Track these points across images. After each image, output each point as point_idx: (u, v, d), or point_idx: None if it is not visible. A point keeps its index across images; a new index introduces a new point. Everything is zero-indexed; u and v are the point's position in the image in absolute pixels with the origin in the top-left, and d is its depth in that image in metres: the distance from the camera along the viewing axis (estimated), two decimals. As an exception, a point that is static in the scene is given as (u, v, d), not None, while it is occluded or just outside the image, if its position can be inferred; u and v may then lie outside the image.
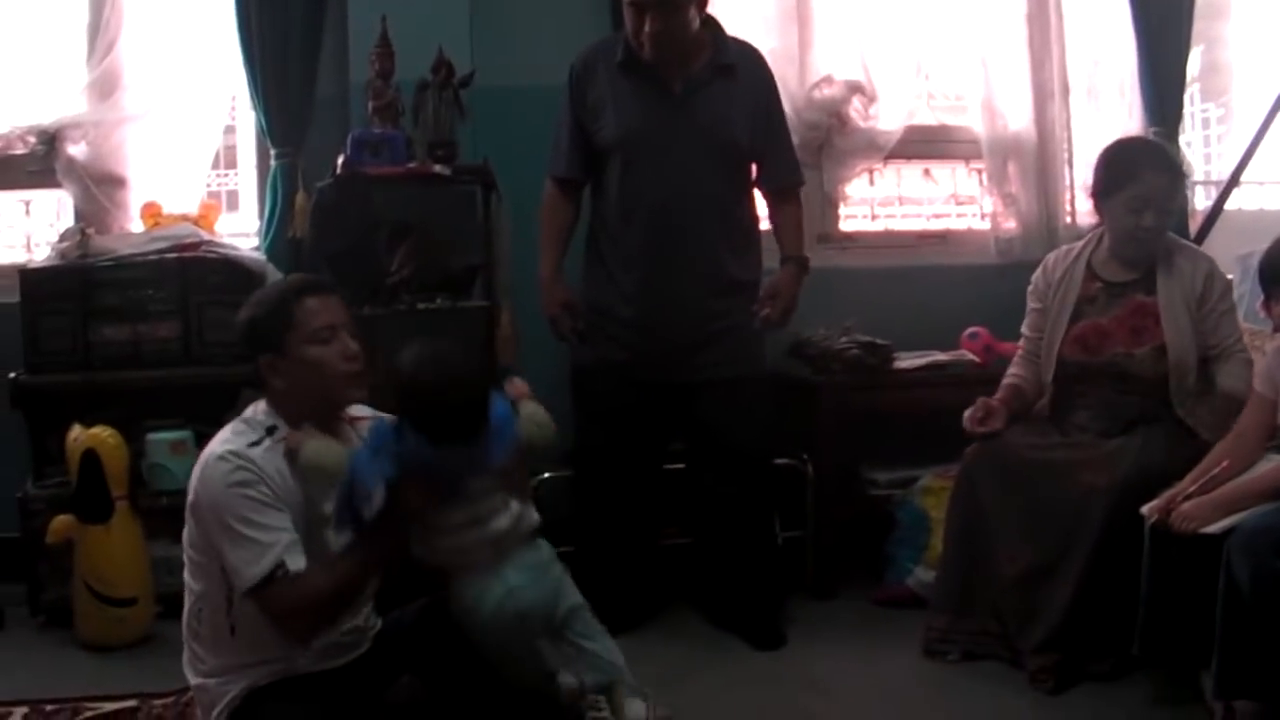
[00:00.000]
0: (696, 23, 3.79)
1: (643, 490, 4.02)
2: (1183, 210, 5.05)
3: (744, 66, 3.92)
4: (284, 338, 2.55)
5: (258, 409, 2.61)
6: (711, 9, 4.44)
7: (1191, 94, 7.02)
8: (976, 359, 4.48)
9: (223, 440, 2.54)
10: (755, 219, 4.05)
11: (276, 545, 2.41)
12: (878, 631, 4.00)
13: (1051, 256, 3.91)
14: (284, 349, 2.55)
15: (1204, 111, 7.33)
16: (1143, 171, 3.67)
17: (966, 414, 3.70)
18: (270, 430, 2.54)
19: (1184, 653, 3.15)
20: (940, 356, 4.48)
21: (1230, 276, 4.25)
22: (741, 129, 3.87)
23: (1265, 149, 5.83)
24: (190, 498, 2.52)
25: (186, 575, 2.61)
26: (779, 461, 4.23)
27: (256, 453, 2.48)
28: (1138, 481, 3.31)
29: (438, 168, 4.04)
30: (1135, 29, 5.03)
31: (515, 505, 2.56)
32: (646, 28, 3.69)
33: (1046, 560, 3.43)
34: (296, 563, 2.42)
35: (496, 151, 4.11)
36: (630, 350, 3.84)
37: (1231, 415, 3.42)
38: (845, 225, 5.09)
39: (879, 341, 4.37)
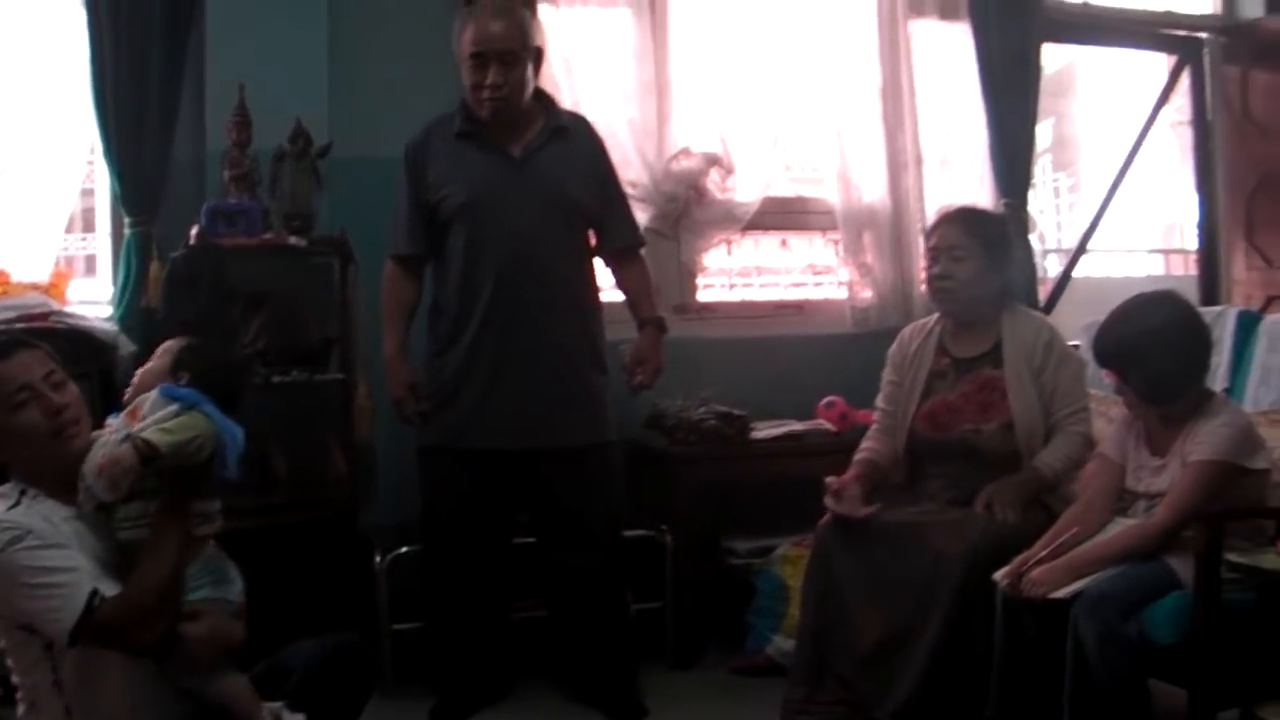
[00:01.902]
0: (532, 85, 3.83)
1: (492, 564, 3.96)
2: (1030, 277, 5.21)
3: (576, 131, 3.96)
4: None
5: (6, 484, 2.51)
6: (570, 81, 4.52)
7: (1043, 165, 7.26)
8: (833, 428, 4.54)
9: None
10: (597, 285, 4.06)
11: (80, 579, 2.33)
12: (737, 701, 4.01)
13: (908, 330, 3.96)
14: None
15: (1055, 181, 7.57)
16: (940, 225, 3.83)
17: (830, 482, 3.68)
18: (22, 492, 2.45)
19: (1038, 716, 3.19)
20: (797, 426, 4.53)
21: (1077, 343, 4.37)
22: (581, 191, 3.90)
23: (1110, 218, 6.03)
24: None
25: (12, 671, 2.51)
26: (637, 532, 4.23)
27: (16, 514, 2.39)
28: (989, 548, 3.34)
29: (294, 239, 4.00)
30: (985, 103, 5.19)
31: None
32: (489, 79, 3.71)
33: (900, 628, 3.44)
34: (107, 588, 2.34)
35: (353, 222, 4.08)
36: (476, 423, 3.80)
37: (1024, 489, 3.52)
38: (703, 296, 5.12)
39: (735, 412, 4.40)
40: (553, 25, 4.52)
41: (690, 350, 4.64)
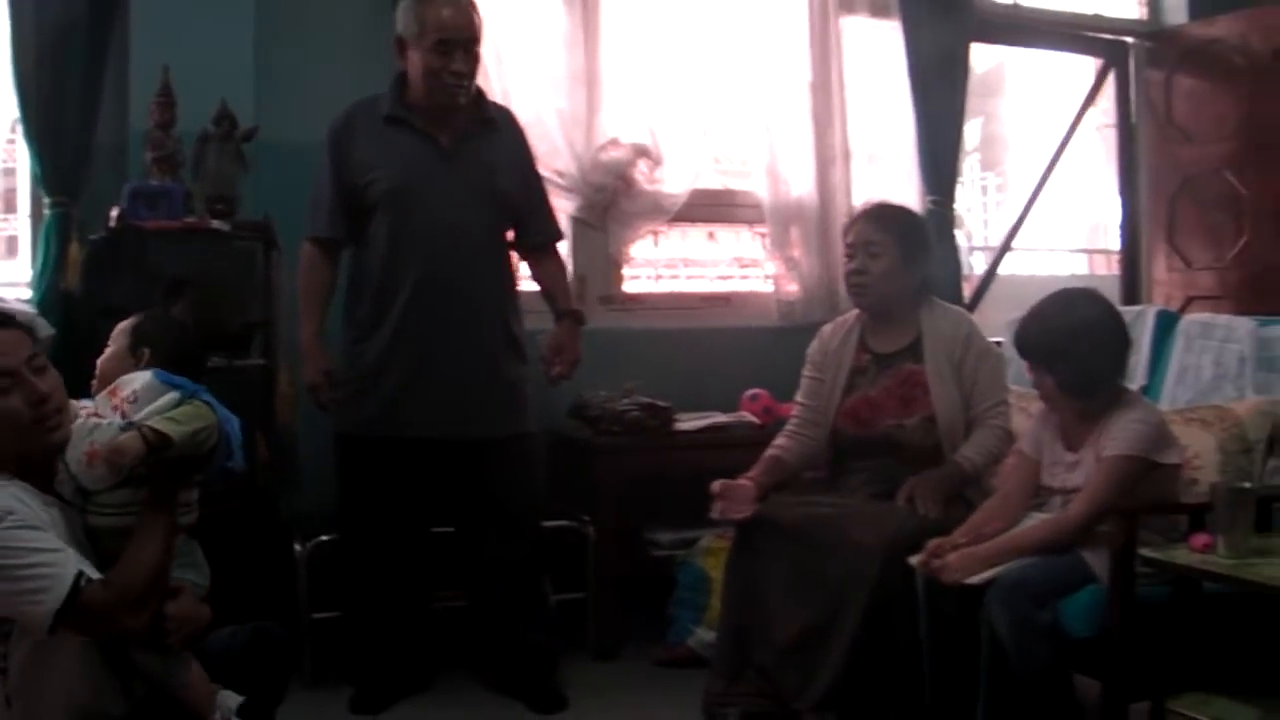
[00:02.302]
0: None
1: (412, 554, 3.94)
2: (955, 274, 5.25)
3: (503, 123, 3.96)
4: None
5: None
6: (500, 70, 4.50)
7: (972, 164, 7.33)
8: (757, 420, 4.56)
9: None
10: (516, 276, 4.06)
11: (65, 560, 2.21)
12: (659, 692, 4.01)
13: (828, 328, 3.98)
14: None
15: (983, 180, 7.64)
16: (856, 222, 3.88)
17: (715, 487, 3.68)
18: None
19: (964, 703, 3.22)
20: (721, 418, 4.54)
21: (1000, 340, 4.41)
22: (508, 182, 3.89)
23: (1036, 217, 6.10)
24: None
25: None
26: (559, 523, 4.23)
27: None
28: (909, 540, 3.35)
29: (216, 223, 3.95)
30: (914, 100, 5.23)
31: None
32: (456, 65, 3.69)
33: (820, 620, 3.45)
34: (92, 572, 2.24)
35: (278, 207, 4.03)
36: (397, 412, 3.77)
37: (945, 483, 3.55)
38: (629, 287, 5.13)
39: (659, 403, 4.41)
40: (484, 11, 4.48)
41: (616, 341, 4.64)
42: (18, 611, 2.23)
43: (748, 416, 4.58)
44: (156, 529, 2.35)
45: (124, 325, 2.65)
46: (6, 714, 2.31)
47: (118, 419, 2.41)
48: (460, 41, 3.71)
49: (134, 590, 2.28)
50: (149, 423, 2.35)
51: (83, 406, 2.47)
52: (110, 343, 2.64)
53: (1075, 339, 3.27)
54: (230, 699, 2.47)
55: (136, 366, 2.55)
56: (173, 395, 2.43)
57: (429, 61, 3.71)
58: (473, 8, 3.79)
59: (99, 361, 2.63)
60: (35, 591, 2.19)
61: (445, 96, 3.74)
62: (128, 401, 2.44)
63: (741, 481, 3.71)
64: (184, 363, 2.56)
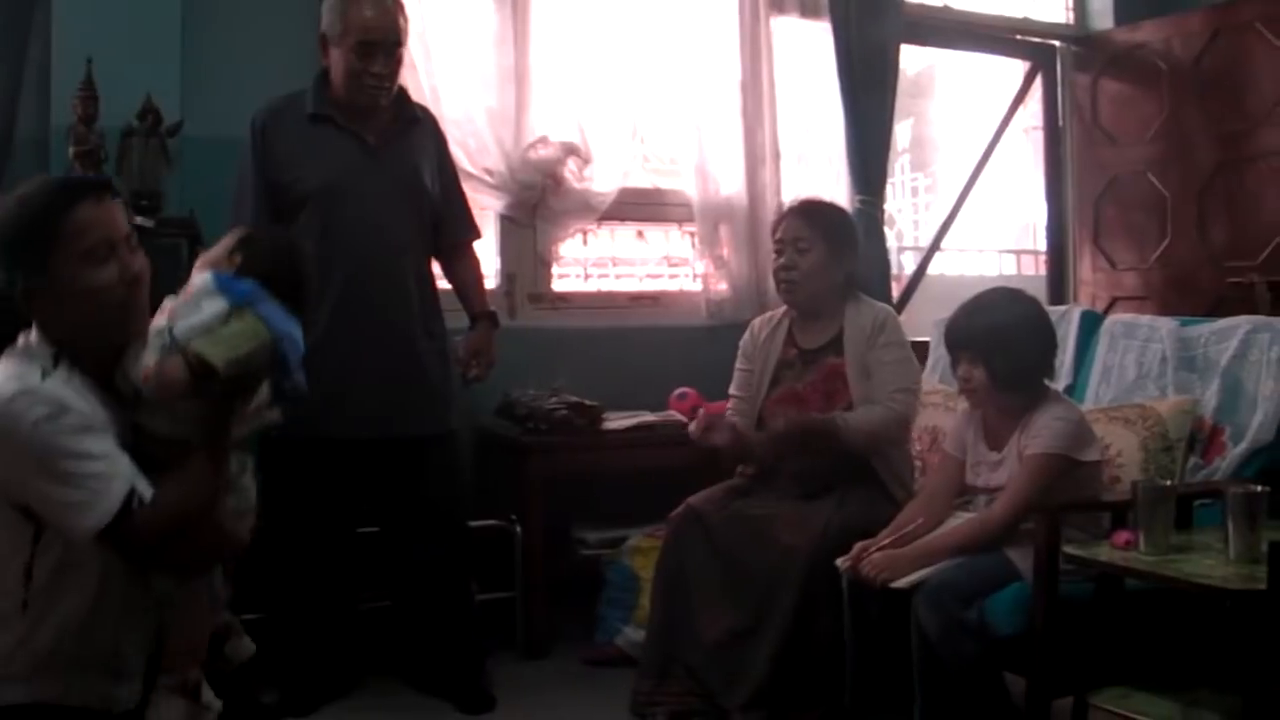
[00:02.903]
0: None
1: (337, 555, 3.90)
2: (884, 274, 5.29)
3: (425, 121, 3.95)
4: (47, 260, 2.14)
5: (29, 340, 2.21)
6: (429, 66, 4.47)
7: (902, 164, 7.38)
8: (685, 419, 4.54)
9: (4, 380, 2.13)
10: (434, 276, 4.03)
11: (119, 472, 2.10)
12: (588, 691, 4.00)
13: (758, 321, 4.00)
14: (48, 272, 2.15)
15: (913, 180, 7.69)
16: (785, 219, 3.90)
17: (692, 426, 3.75)
18: (56, 359, 2.17)
19: (891, 703, 3.25)
20: (649, 417, 4.53)
21: (927, 339, 4.44)
22: (431, 180, 3.87)
23: (965, 218, 6.15)
24: None
25: None
26: (487, 522, 4.21)
27: (52, 385, 2.12)
28: (836, 540, 3.38)
29: (141, 219, 3.88)
30: (843, 101, 5.24)
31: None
32: (377, 68, 3.66)
33: (748, 620, 3.47)
34: (145, 487, 2.13)
35: (204, 204, 3.96)
36: (322, 412, 3.68)
37: (811, 425, 3.59)
38: (558, 285, 5.11)
39: (587, 402, 4.39)
40: (413, 8, 4.44)
41: (544, 339, 4.64)
42: (60, 519, 2.12)
43: (676, 415, 4.58)
44: (214, 453, 2.21)
45: (235, 231, 2.47)
46: (20, 618, 2.18)
47: (164, 321, 2.21)
48: (382, 44, 3.68)
49: (180, 520, 2.15)
50: (194, 347, 2.14)
51: (165, 306, 2.28)
52: (217, 245, 2.43)
53: (1008, 333, 3.31)
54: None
55: (230, 268, 2.33)
56: (220, 304, 2.21)
57: (350, 62, 3.68)
58: (398, 9, 3.76)
59: (200, 252, 2.46)
60: (81, 504, 2.09)
61: (365, 97, 3.71)
62: (182, 302, 2.25)
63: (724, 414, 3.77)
64: (275, 280, 2.31)
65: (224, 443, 2.25)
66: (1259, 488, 2.86)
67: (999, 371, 3.29)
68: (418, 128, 3.89)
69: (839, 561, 3.30)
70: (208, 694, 2.36)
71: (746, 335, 3.98)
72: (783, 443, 3.59)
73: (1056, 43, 6.26)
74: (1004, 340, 3.30)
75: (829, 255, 3.79)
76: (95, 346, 2.22)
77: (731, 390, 3.96)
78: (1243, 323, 3.79)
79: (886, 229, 5.61)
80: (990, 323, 3.35)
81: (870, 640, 3.29)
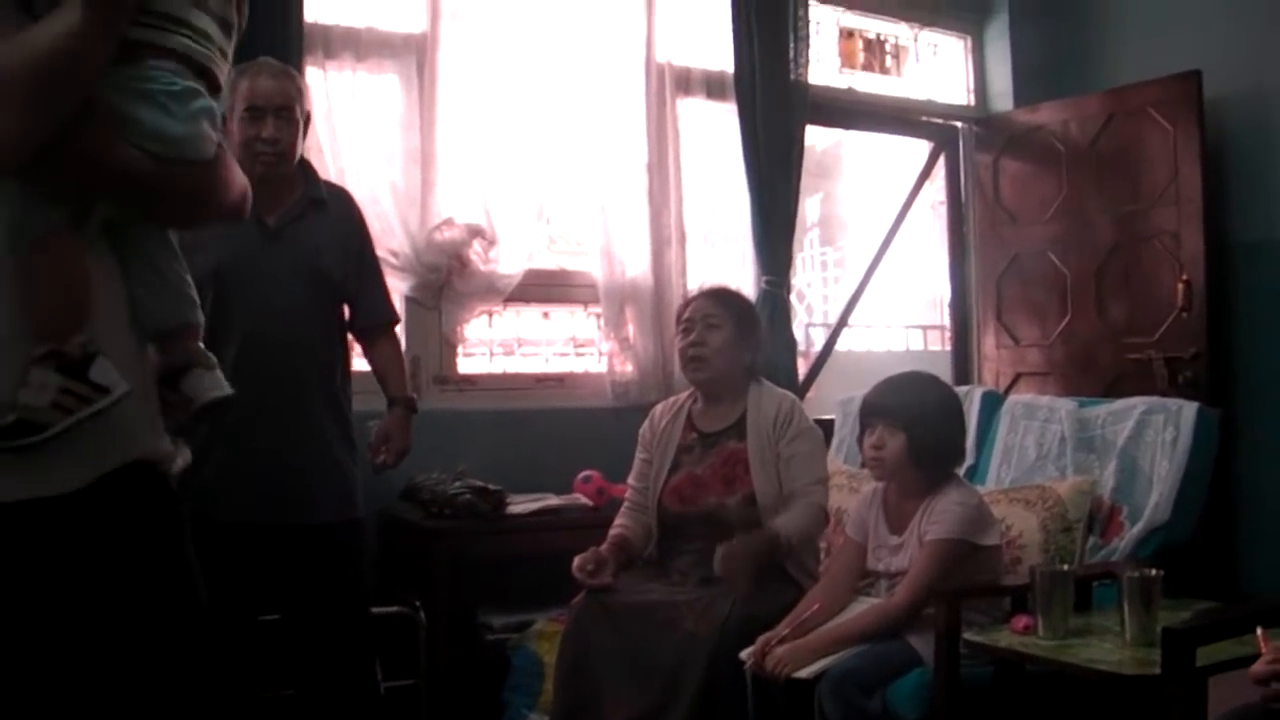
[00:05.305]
0: (301, 147, 3.76)
1: (237, 642, 3.83)
2: (789, 353, 5.32)
3: (335, 203, 3.89)
4: None
5: None
6: (335, 146, 4.45)
7: (811, 239, 7.46)
8: (589, 502, 4.53)
9: None
10: (348, 359, 3.98)
11: None
12: (492, 780, 3.95)
13: (659, 408, 4.01)
14: None
15: (822, 255, 7.77)
16: (694, 300, 3.96)
17: (576, 561, 3.69)
18: None
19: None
20: (553, 500, 4.50)
21: (832, 417, 4.47)
22: (335, 263, 3.82)
23: (873, 294, 6.22)
24: None
25: None
26: (390, 608, 4.15)
27: None
28: (738, 628, 3.36)
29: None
30: (749, 182, 5.28)
31: None
32: (265, 133, 3.62)
33: (652, 706, 3.42)
34: None
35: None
36: (218, 496, 3.61)
37: (758, 547, 3.53)
38: (463, 367, 5.07)
39: (491, 486, 4.35)
40: (319, 88, 4.44)
41: (449, 422, 4.60)
42: None
43: (581, 498, 4.56)
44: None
45: None
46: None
47: None
48: (269, 108, 3.63)
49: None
50: None
51: None
52: None
53: (931, 409, 3.39)
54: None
55: None
56: None
57: (243, 130, 3.64)
58: (287, 77, 3.71)
59: None
60: None
61: (260, 166, 3.64)
62: None
63: (601, 551, 3.73)
64: None
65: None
66: (1153, 571, 2.91)
67: (918, 443, 3.32)
68: (322, 209, 3.85)
69: (744, 654, 3.28)
70: (109, 376, 1.77)
71: (646, 424, 3.98)
72: (745, 571, 3.53)
73: (959, 123, 6.36)
74: (926, 414, 3.34)
75: (738, 335, 3.82)
76: None
77: (630, 480, 3.96)
78: (1138, 404, 3.85)
79: (796, 302, 5.64)
80: (917, 396, 3.41)
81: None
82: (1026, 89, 6.19)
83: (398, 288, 4.59)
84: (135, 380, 1.84)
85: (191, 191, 1.91)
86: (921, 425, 3.33)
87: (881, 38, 6.27)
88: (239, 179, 2.02)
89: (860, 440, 3.49)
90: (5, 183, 1.71)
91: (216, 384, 2.10)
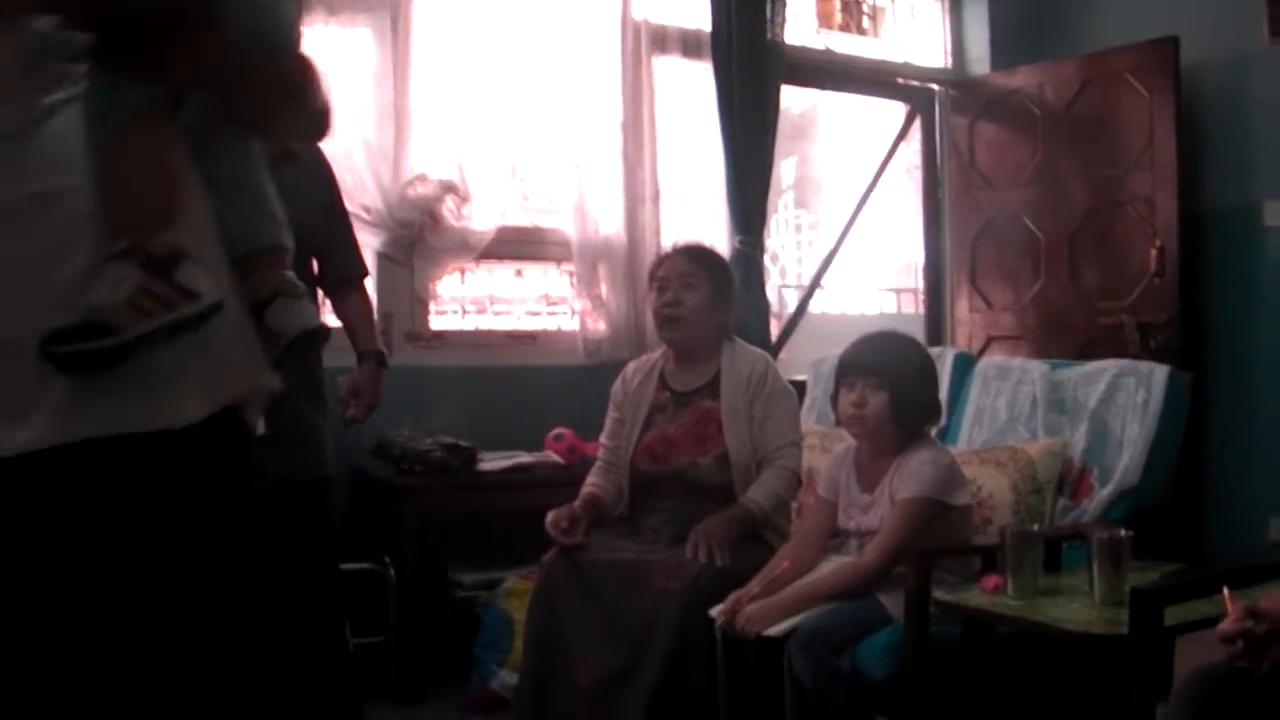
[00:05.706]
0: None
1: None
2: (763, 314, 5.31)
3: (307, 155, 3.84)
4: None
5: None
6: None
7: (786, 202, 7.43)
8: (561, 460, 4.53)
9: None
10: (319, 313, 3.95)
11: None
12: (461, 737, 3.95)
13: (631, 366, 3.98)
14: None
15: (797, 218, 7.74)
16: (668, 257, 3.90)
17: (550, 517, 3.65)
18: None
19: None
20: (525, 458, 4.50)
21: (804, 378, 4.46)
22: (305, 215, 3.77)
23: (847, 256, 6.21)
24: None
25: None
26: (360, 565, 4.14)
27: None
28: (708, 586, 3.35)
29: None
30: (723, 142, 5.26)
31: None
32: None
33: (623, 665, 3.41)
34: None
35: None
36: None
37: (733, 526, 3.52)
38: (435, 324, 5.05)
39: (462, 443, 4.34)
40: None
41: (421, 379, 4.58)
42: None
43: (552, 456, 4.55)
44: None
45: None
46: None
47: None
48: None
49: None
50: None
51: None
52: None
53: (911, 369, 3.38)
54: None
55: None
56: None
57: None
58: None
59: None
60: None
61: None
62: None
63: (575, 508, 3.70)
64: None
65: None
66: (1123, 532, 2.91)
67: (900, 402, 3.31)
68: (293, 161, 3.80)
69: (714, 612, 3.27)
70: (198, 282, 1.55)
71: (618, 382, 3.95)
72: (722, 549, 3.50)
73: (935, 86, 6.34)
74: (908, 374, 3.34)
75: (714, 295, 3.78)
76: None
77: (602, 439, 3.93)
78: (1110, 366, 3.85)
79: (770, 264, 5.63)
80: (899, 355, 3.41)
81: (745, 689, 3.26)
82: (1003, 52, 6.17)
83: (370, 243, 4.56)
84: (229, 301, 1.62)
85: (277, 77, 1.74)
86: (903, 384, 3.33)
87: (859, -2, 6.25)
88: (325, 90, 1.89)
89: (834, 398, 3.47)
90: (90, 60, 1.52)
91: (306, 315, 1.88)
